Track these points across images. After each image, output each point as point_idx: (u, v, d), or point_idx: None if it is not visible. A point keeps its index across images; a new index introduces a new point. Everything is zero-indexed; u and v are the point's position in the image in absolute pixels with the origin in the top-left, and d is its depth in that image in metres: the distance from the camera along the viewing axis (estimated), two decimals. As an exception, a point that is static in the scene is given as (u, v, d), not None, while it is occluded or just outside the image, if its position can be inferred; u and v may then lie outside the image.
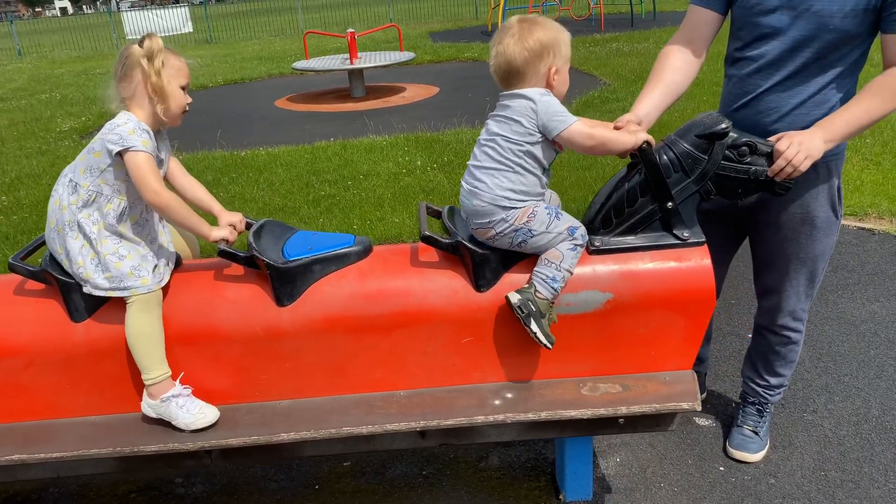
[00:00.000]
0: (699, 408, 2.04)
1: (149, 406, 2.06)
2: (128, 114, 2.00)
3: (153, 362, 2.02)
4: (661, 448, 2.62)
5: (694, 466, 2.52)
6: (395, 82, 10.92)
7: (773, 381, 2.53)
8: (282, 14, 28.57)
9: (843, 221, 4.42)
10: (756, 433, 2.54)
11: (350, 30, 10.13)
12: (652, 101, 2.20)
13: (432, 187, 5.49)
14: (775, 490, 2.38)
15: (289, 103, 9.94)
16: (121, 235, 2.03)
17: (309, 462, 2.65)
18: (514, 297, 1.95)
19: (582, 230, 2.01)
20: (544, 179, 2.02)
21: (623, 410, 2.03)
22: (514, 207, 1.96)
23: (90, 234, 1.99)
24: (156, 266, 2.06)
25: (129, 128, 1.95)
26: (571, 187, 5.13)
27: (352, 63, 9.69)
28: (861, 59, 2.10)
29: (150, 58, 1.96)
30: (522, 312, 1.94)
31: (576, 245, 1.99)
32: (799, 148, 1.95)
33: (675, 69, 2.24)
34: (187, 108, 2.10)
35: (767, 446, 2.56)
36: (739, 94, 2.20)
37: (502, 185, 1.97)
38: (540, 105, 1.92)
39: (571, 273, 1.99)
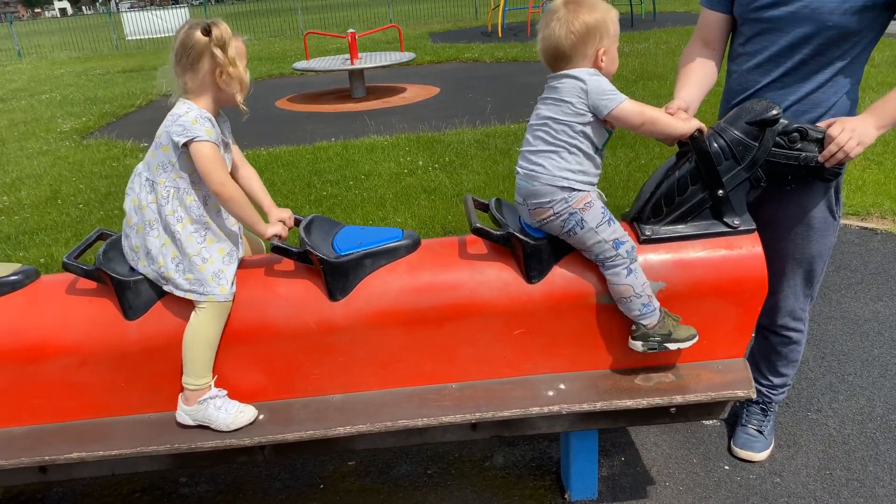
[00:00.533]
0: (754, 395, 2.05)
1: (185, 413, 2.06)
2: (188, 102, 1.99)
3: (202, 368, 2.03)
4: (667, 447, 2.61)
5: (699, 465, 2.52)
6: (395, 83, 10.92)
7: (777, 380, 2.53)
8: (281, 15, 28.57)
9: (846, 221, 4.43)
10: (760, 432, 2.54)
11: (350, 30, 10.13)
12: (690, 92, 2.22)
13: (434, 187, 5.49)
14: (780, 489, 2.38)
15: (289, 104, 9.94)
16: (207, 227, 2.02)
17: (314, 461, 2.64)
18: (638, 346, 2.02)
19: (628, 245, 1.99)
20: (598, 160, 2.02)
21: (678, 399, 2.04)
22: (573, 189, 1.97)
23: (176, 233, 1.99)
24: (235, 274, 2.07)
25: (191, 117, 1.94)
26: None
27: (352, 63, 9.69)
28: (861, 58, 2.09)
29: (223, 47, 1.93)
30: (654, 348, 2.00)
31: (626, 266, 1.97)
32: (851, 134, 1.95)
33: (702, 65, 2.27)
34: (250, 86, 2.07)
35: (772, 445, 2.56)
36: (739, 90, 2.21)
37: (560, 165, 1.97)
38: (590, 84, 1.92)
39: (647, 284, 1.99)
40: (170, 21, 23.81)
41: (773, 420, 2.58)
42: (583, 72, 1.94)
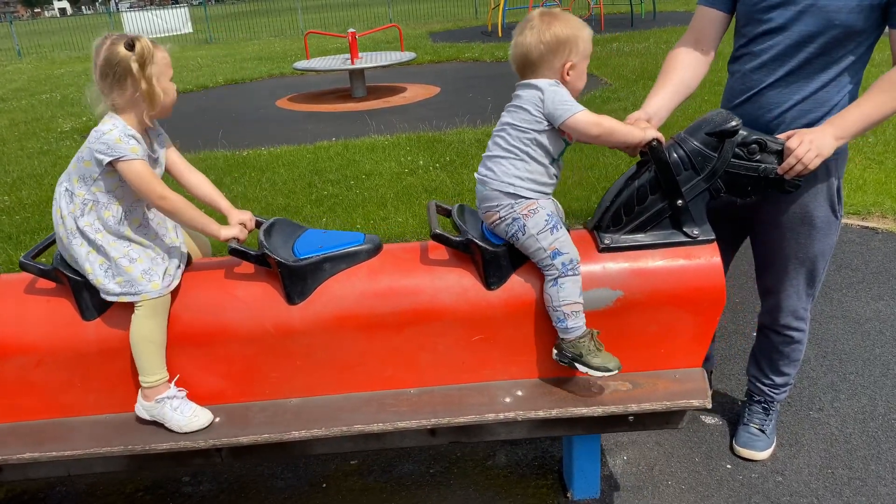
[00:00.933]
0: (709, 405, 2.05)
1: (143, 408, 2.06)
2: (114, 118, 1.95)
3: (153, 366, 2.03)
4: (669, 446, 2.62)
5: (701, 464, 2.52)
6: (396, 82, 10.92)
7: (779, 379, 2.53)
8: (281, 14, 28.57)
9: (847, 220, 4.43)
10: (762, 431, 2.54)
11: (351, 30, 10.13)
12: (662, 99, 2.21)
13: (435, 187, 5.49)
14: (782, 488, 2.38)
15: (290, 103, 9.94)
16: (128, 239, 2.02)
17: (317, 460, 2.65)
18: (553, 353, 2.04)
19: (565, 258, 1.96)
20: (552, 170, 2.03)
21: (633, 408, 2.03)
22: (520, 196, 1.98)
23: (95, 241, 1.99)
24: (166, 269, 2.05)
25: (114, 136, 1.91)
26: (574, 187, 5.13)
27: (353, 63, 9.69)
28: (864, 57, 2.10)
29: (143, 65, 1.89)
30: (565, 363, 2.02)
31: (554, 278, 1.97)
32: (810, 146, 1.96)
33: (684, 68, 2.26)
34: (175, 97, 2.04)
35: (774, 444, 2.56)
36: (742, 89, 2.20)
37: (508, 171, 2.00)
38: (547, 94, 1.94)
39: (569, 302, 1.97)
40: (170, 21, 23.83)
41: (775, 419, 2.59)
42: (543, 82, 1.96)
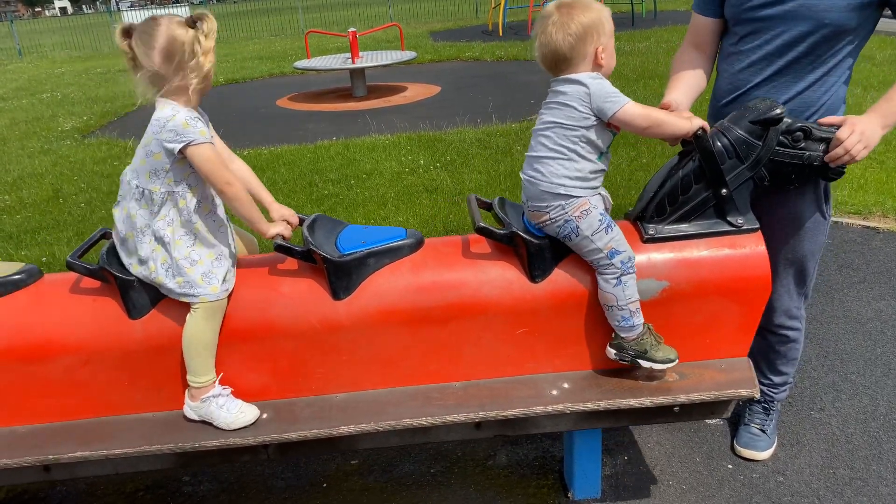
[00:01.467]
0: (757, 395, 2.05)
1: (191, 408, 2.07)
2: (170, 103, 1.93)
3: (203, 367, 2.03)
4: (669, 446, 2.61)
5: (702, 464, 2.52)
6: (396, 82, 10.91)
7: (777, 379, 2.53)
8: (282, 14, 28.56)
9: (848, 220, 4.43)
10: (763, 431, 2.54)
11: (351, 29, 10.12)
12: (680, 95, 2.21)
13: (435, 186, 5.49)
14: (784, 488, 2.38)
15: (290, 103, 9.94)
16: (196, 234, 2.01)
17: (317, 460, 2.64)
18: (611, 354, 2.04)
19: (623, 256, 1.97)
20: (601, 164, 2.02)
21: (682, 398, 2.03)
22: (571, 196, 1.97)
23: (165, 237, 1.98)
24: (226, 273, 2.05)
25: (180, 120, 1.89)
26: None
27: (353, 62, 9.68)
28: (852, 56, 2.09)
29: (210, 41, 1.88)
30: (626, 361, 2.03)
31: (616, 276, 1.97)
32: (860, 137, 1.95)
33: (693, 69, 2.27)
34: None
35: (775, 444, 2.56)
36: (729, 89, 2.20)
37: (557, 172, 1.98)
38: (593, 88, 1.92)
39: (634, 300, 1.98)
40: (170, 20, 23.78)
41: (775, 419, 2.58)
42: (585, 76, 1.94)
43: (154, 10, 25.15)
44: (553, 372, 2.15)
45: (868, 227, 4.33)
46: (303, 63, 10.41)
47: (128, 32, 1.91)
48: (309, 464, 2.63)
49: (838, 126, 2.00)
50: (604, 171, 2.04)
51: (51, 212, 5.60)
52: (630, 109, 1.91)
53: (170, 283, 2.00)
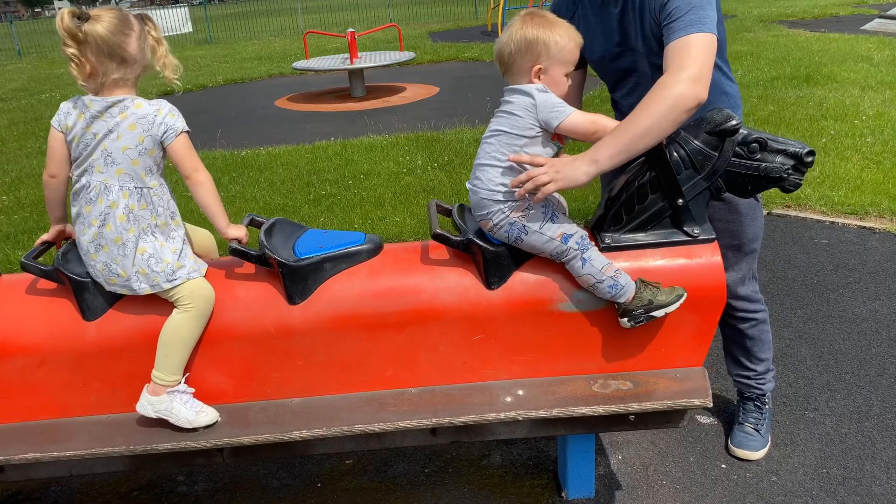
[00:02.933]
0: (710, 404, 2.04)
1: (148, 403, 2.03)
2: (139, 98, 1.97)
3: (178, 366, 2.02)
4: (663, 446, 2.62)
5: (696, 464, 2.52)
6: (395, 82, 10.92)
7: (759, 367, 2.56)
8: (281, 15, 28.57)
9: (844, 220, 4.43)
10: (757, 431, 2.55)
11: (350, 29, 10.13)
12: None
13: (433, 186, 5.49)
14: (777, 487, 2.38)
15: (289, 103, 9.95)
16: (159, 227, 2.01)
17: (311, 460, 2.65)
18: (626, 323, 1.99)
19: (577, 237, 1.97)
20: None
21: (634, 407, 2.03)
22: (511, 201, 1.97)
23: (154, 231, 2.00)
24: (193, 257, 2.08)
25: (166, 111, 1.96)
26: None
27: (352, 63, 9.69)
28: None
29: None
30: (642, 321, 1.98)
31: (578, 258, 1.96)
32: (550, 171, 1.88)
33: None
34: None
35: (769, 444, 2.56)
36: None
37: (494, 179, 1.98)
38: (539, 99, 1.93)
39: (607, 265, 1.96)
40: (170, 20, 23.82)
41: (769, 418, 2.59)
42: (533, 87, 1.94)
43: (154, 10, 25.18)
44: (509, 378, 2.14)
45: (864, 228, 4.34)
46: (301, 63, 10.42)
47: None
48: (303, 464, 2.64)
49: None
50: None
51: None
52: (575, 118, 1.92)
53: (163, 283, 1.99)
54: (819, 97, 7.34)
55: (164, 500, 2.50)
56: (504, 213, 1.98)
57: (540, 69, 1.95)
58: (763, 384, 2.58)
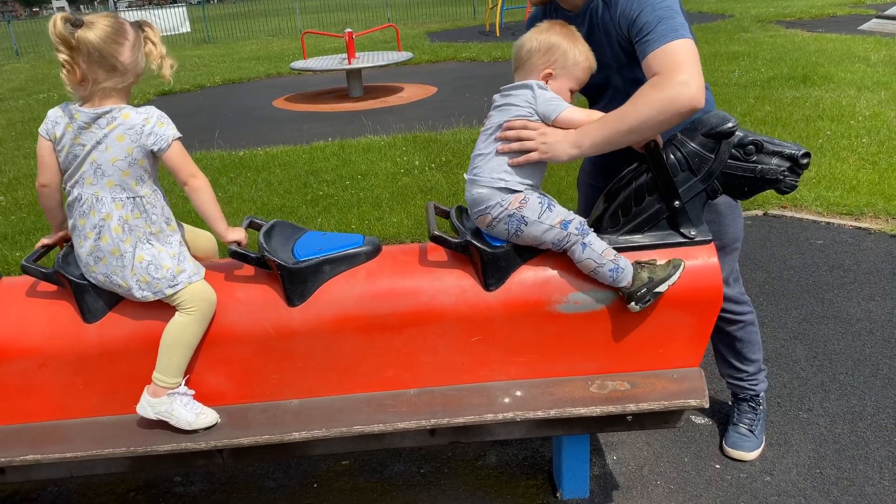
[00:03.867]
0: (707, 405, 2.06)
1: (148, 405, 2.04)
2: (126, 106, 1.95)
3: (179, 369, 2.03)
4: (658, 446, 2.63)
5: (690, 465, 2.53)
6: (392, 82, 10.93)
7: (751, 368, 2.58)
8: (279, 15, 28.56)
9: (839, 221, 4.45)
10: (751, 431, 2.56)
11: (348, 30, 10.14)
12: None
13: (430, 187, 5.50)
14: (771, 488, 2.40)
15: (287, 103, 9.95)
16: (155, 234, 2.01)
17: (307, 460, 2.66)
18: (635, 307, 2.00)
19: (576, 222, 2.00)
20: (541, 164, 2.04)
21: (632, 408, 2.04)
22: (510, 189, 1.99)
23: (149, 239, 2.00)
24: (188, 257, 2.09)
25: (154, 120, 1.94)
26: (569, 187, 5.14)
27: (350, 63, 9.70)
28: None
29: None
30: (648, 300, 1.99)
31: (579, 243, 1.98)
32: (540, 136, 1.96)
33: None
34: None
35: (763, 444, 2.57)
36: None
37: (497, 167, 2.01)
38: (538, 92, 2.00)
39: (605, 249, 1.98)
40: (168, 20, 23.80)
41: (763, 419, 2.60)
42: (533, 82, 2.02)
43: (152, 11, 25.16)
44: (507, 380, 2.16)
45: (860, 228, 4.35)
46: (299, 64, 10.42)
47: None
48: (300, 464, 2.65)
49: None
50: (543, 171, 2.08)
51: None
52: (572, 111, 1.98)
53: (165, 287, 2.00)
54: (816, 97, 7.35)
55: (160, 500, 2.51)
56: (502, 205, 1.99)
57: (550, 74, 2.03)
58: (755, 385, 2.59)
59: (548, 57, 2.01)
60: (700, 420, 2.76)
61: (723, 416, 2.76)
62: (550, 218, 1.99)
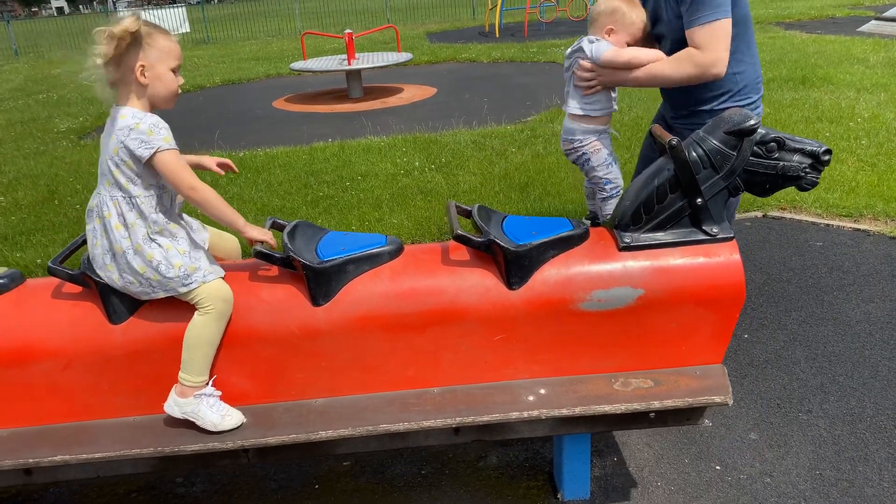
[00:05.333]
0: (731, 401, 2.07)
1: (175, 404, 2.06)
2: (131, 109, 1.96)
3: (203, 367, 2.04)
4: (658, 447, 2.64)
5: (690, 466, 2.54)
6: (392, 83, 10.93)
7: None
8: (279, 15, 28.56)
9: (838, 223, 4.46)
10: None
11: (348, 30, 10.14)
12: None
13: (430, 188, 5.51)
14: (770, 489, 2.40)
15: (286, 104, 9.95)
16: (160, 233, 2.02)
17: (308, 462, 2.66)
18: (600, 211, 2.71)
19: (613, 185, 2.66)
20: (612, 94, 2.66)
21: (656, 405, 2.05)
22: (590, 116, 2.63)
23: (156, 240, 2.01)
24: (208, 259, 2.09)
25: (145, 126, 1.93)
26: (570, 189, 5.15)
27: (349, 64, 9.71)
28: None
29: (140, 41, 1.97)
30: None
31: (608, 195, 2.66)
32: (598, 80, 2.58)
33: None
34: (179, 91, 2.06)
35: None
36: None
37: (577, 100, 2.65)
38: (590, 45, 2.57)
39: (614, 188, 2.69)
40: (167, 21, 23.78)
41: None
42: (592, 36, 2.60)
43: (151, 11, 25.15)
44: (531, 378, 2.17)
45: (859, 230, 4.36)
46: (299, 64, 10.43)
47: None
48: (301, 465, 2.65)
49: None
50: (612, 101, 2.66)
51: (46, 213, 5.61)
52: (610, 52, 2.51)
53: (178, 286, 2.01)
54: (815, 99, 7.36)
55: (162, 501, 2.51)
56: (582, 143, 2.64)
57: (612, 30, 2.58)
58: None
59: (611, 17, 2.56)
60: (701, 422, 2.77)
61: (724, 417, 2.76)
62: (603, 172, 2.66)
